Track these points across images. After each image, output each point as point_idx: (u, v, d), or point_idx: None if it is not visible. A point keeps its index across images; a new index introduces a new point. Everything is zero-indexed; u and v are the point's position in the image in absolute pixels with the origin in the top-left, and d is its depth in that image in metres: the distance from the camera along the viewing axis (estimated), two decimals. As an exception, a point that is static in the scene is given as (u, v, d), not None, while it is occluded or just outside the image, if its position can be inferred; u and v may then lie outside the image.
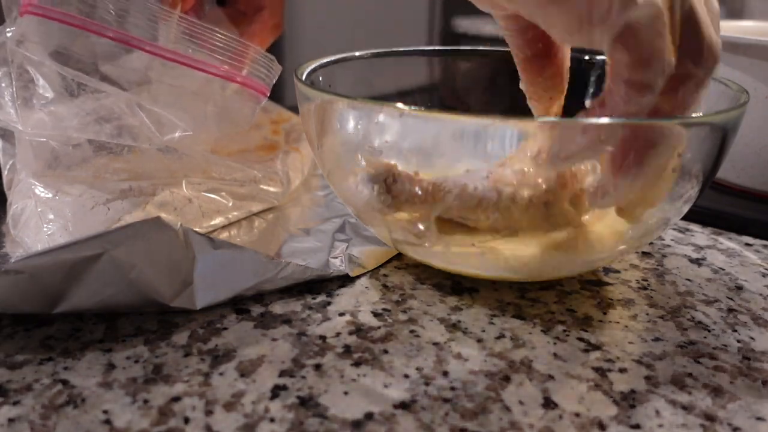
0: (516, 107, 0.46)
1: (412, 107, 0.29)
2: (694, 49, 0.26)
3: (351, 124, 0.32)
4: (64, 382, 0.26)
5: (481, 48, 0.46)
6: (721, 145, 0.30)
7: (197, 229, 0.31)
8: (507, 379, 0.27)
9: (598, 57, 0.42)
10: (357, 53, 0.42)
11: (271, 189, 0.43)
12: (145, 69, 0.36)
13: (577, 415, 0.25)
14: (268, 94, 0.40)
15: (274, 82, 0.40)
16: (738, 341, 0.30)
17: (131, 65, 0.36)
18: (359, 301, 0.33)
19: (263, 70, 0.39)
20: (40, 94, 0.35)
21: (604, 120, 0.27)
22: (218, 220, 0.40)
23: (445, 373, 0.27)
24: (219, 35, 0.38)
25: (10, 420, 0.24)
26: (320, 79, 0.38)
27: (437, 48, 0.46)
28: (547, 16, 0.27)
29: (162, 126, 0.36)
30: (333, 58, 0.40)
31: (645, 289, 0.35)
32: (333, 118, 0.33)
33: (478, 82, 0.45)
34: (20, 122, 0.35)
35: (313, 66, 0.38)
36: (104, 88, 0.36)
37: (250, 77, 0.39)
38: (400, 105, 0.29)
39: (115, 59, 0.36)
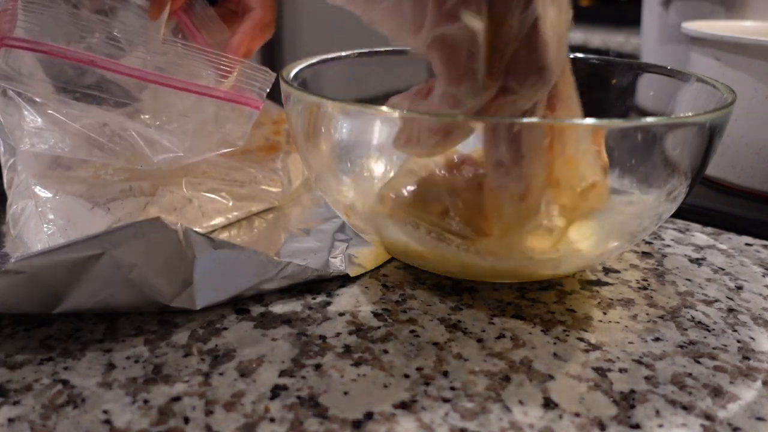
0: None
1: (405, 111, 0.29)
2: (522, 70, 0.26)
3: (340, 128, 0.32)
4: (64, 382, 0.26)
5: None
6: (708, 143, 0.31)
7: (197, 229, 0.31)
8: (507, 379, 0.27)
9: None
10: (344, 53, 0.42)
11: (272, 189, 0.43)
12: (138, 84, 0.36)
13: (577, 415, 0.25)
14: (261, 107, 0.39)
15: (267, 91, 0.39)
16: (738, 341, 0.30)
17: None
18: (359, 301, 0.33)
19: (255, 83, 0.39)
20: (29, 121, 0.35)
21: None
22: (218, 220, 0.40)
23: (445, 373, 0.27)
24: (206, 53, 0.37)
25: (10, 420, 0.24)
26: (307, 79, 0.38)
27: None
28: (378, 21, 0.27)
29: (154, 148, 0.36)
30: (320, 58, 0.40)
31: (645, 289, 0.35)
32: (321, 121, 0.32)
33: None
34: (13, 142, 0.35)
35: (300, 66, 0.37)
36: (95, 110, 0.35)
37: (240, 92, 0.38)
38: (385, 108, 0.29)
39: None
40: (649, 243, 0.41)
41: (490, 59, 0.25)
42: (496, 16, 0.25)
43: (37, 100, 0.34)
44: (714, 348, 0.30)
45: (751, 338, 0.31)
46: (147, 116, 0.36)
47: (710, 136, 0.30)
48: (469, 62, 0.25)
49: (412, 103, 0.29)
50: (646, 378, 0.27)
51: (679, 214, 0.45)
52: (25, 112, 0.34)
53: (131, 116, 0.36)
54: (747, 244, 0.41)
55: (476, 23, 0.24)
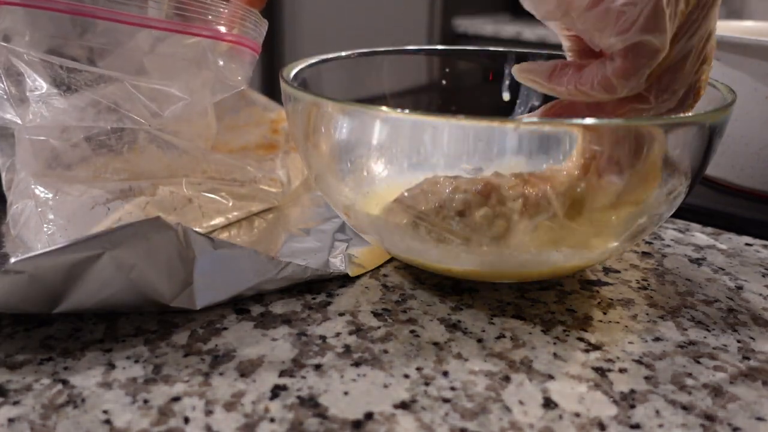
0: (509, 107, 0.46)
1: (405, 110, 0.29)
2: (663, 89, 0.31)
3: (340, 128, 0.32)
4: (64, 382, 0.26)
5: (468, 48, 0.46)
6: (709, 143, 0.31)
7: (197, 229, 0.31)
8: (507, 379, 0.27)
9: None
10: (344, 53, 0.42)
11: (272, 189, 0.43)
12: (139, 51, 0.36)
13: (577, 415, 0.25)
14: (260, 51, 0.39)
15: (263, 38, 0.40)
16: (738, 341, 0.30)
17: (125, 52, 0.35)
18: (359, 301, 0.33)
19: (251, 26, 0.39)
20: (33, 87, 0.34)
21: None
22: (218, 220, 0.40)
23: (445, 373, 0.27)
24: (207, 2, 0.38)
25: (10, 420, 0.24)
26: (307, 79, 0.38)
27: (423, 48, 0.46)
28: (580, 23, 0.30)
29: (161, 102, 0.36)
30: (319, 58, 0.40)
31: (645, 289, 0.35)
32: (321, 121, 0.32)
33: (466, 82, 0.45)
34: (18, 117, 0.35)
35: (300, 66, 0.37)
36: (96, 71, 0.35)
37: (241, 35, 0.38)
38: (385, 108, 0.29)
39: (109, 50, 0.35)
40: (649, 243, 0.41)
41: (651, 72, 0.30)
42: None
43: (39, 66, 0.34)
44: (714, 348, 0.30)
45: (751, 338, 0.31)
46: (149, 72, 0.36)
47: (710, 136, 0.30)
48: (645, 67, 0.30)
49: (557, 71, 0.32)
50: (646, 378, 0.27)
51: (679, 214, 0.45)
52: (29, 79, 0.34)
53: (135, 79, 0.36)
54: (747, 244, 0.41)
55: (666, 43, 0.29)
